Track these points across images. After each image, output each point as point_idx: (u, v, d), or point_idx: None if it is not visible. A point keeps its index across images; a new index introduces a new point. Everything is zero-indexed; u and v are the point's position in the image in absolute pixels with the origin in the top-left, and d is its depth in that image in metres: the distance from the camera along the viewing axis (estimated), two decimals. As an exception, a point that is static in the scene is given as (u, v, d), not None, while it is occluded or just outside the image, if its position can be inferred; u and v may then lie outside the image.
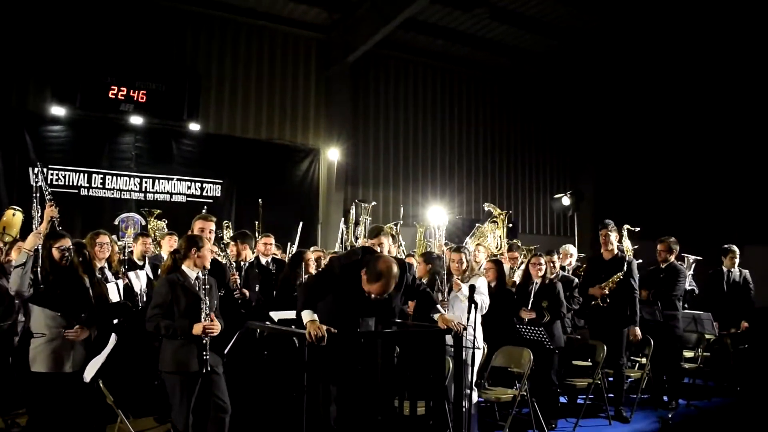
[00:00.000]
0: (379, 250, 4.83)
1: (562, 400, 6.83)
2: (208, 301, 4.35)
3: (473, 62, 14.97)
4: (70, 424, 4.20)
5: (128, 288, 5.57)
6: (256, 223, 8.42)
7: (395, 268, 4.17)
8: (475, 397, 5.37)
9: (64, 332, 4.27)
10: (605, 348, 6.42)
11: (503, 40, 13.98)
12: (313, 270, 6.10)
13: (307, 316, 4.03)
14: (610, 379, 6.99)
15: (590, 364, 6.87)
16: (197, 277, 4.41)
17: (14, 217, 7.17)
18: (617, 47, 13.98)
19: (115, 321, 4.92)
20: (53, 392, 4.19)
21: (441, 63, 14.75)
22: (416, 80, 14.55)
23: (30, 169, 10.21)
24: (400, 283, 4.35)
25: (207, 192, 11.80)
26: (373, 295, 4.21)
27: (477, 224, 10.09)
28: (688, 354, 8.09)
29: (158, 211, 9.29)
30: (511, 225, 9.89)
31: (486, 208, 10.06)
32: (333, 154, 12.78)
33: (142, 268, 6.26)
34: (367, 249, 4.59)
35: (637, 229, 7.63)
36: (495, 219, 9.50)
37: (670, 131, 14.63)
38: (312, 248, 7.81)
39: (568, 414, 6.63)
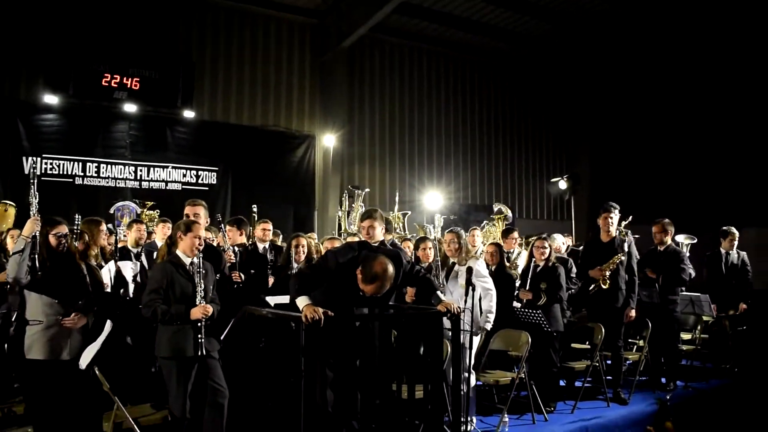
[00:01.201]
0: (370, 234, 4.77)
1: (561, 383, 6.82)
2: (203, 285, 4.33)
3: (468, 46, 14.90)
4: (67, 412, 4.17)
5: (119, 275, 5.53)
6: (254, 209, 8.33)
7: (390, 269, 4.11)
8: (473, 381, 5.35)
9: (62, 320, 4.23)
10: (603, 330, 6.41)
11: (498, 24, 13.91)
12: (303, 256, 6.06)
13: (302, 301, 3.99)
14: (608, 362, 6.98)
15: (588, 346, 6.88)
16: (192, 262, 4.39)
17: (6, 212, 7.12)
18: (612, 31, 13.91)
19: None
20: (50, 380, 4.15)
21: (436, 47, 14.68)
22: (412, 65, 14.49)
23: (24, 158, 10.16)
24: (395, 281, 4.31)
25: (202, 179, 11.75)
26: (367, 294, 4.19)
27: (485, 221, 10.13)
28: (686, 336, 8.11)
29: (151, 203, 9.27)
30: (508, 222, 9.90)
31: (496, 208, 10.07)
32: (329, 140, 12.74)
33: (138, 256, 6.22)
34: (363, 244, 4.54)
35: (630, 218, 7.58)
36: (494, 217, 9.53)
37: (666, 114, 14.60)
38: (308, 234, 7.77)
39: (566, 396, 6.63)
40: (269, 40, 12.66)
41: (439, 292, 4.61)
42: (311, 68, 13.06)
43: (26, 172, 10.13)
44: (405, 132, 14.28)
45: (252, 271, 6.05)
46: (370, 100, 13.85)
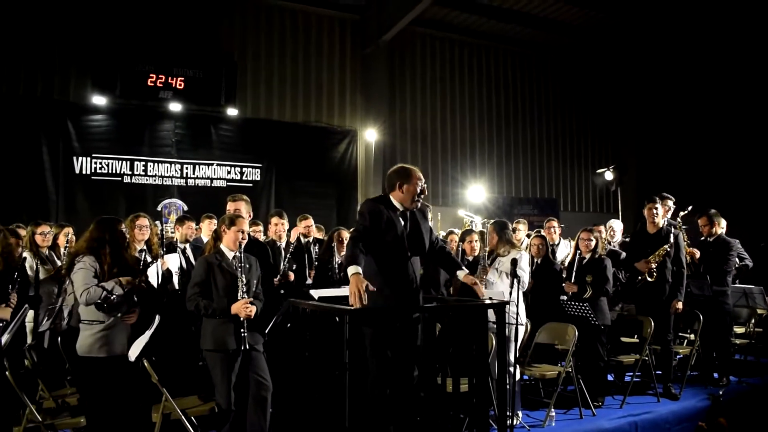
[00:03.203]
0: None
1: (609, 377, 6.70)
2: (245, 280, 4.37)
3: (509, 37, 14.71)
4: (118, 403, 4.25)
5: (166, 270, 5.63)
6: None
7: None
8: (517, 374, 5.30)
9: (123, 318, 4.25)
10: (652, 323, 6.27)
11: (540, 13, 13.67)
12: (344, 250, 6.09)
13: (351, 270, 3.92)
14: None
15: (637, 340, 6.73)
16: (235, 256, 4.44)
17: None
18: (658, 18, 13.56)
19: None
20: (107, 375, 4.22)
21: (477, 39, 14.53)
22: (453, 57, 14.37)
23: (75, 158, 10.44)
24: (429, 234, 4.40)
25: (246, 176, 11.88)
26: (410, 203, 4.23)
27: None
28: (739, 330, 7.87)
29: None
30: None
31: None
32: (371, 135, 12.75)
33: (183, 251, 6.33)
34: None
35: (690, 207, 7.36)
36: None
37: (715, 102, 14.17)
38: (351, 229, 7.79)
39: (614, 391, 6.51)
40: (310, 37, 12.71)
41: (460, 271, 4.48)
42: (352, 63, 13.08)
43: (77, 171, 10.44)
44: (446, 125, 14.18)
45: (294, 266, 6.12)
46: (411, 93, 13.79)
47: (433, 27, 13.80)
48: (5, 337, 4.56)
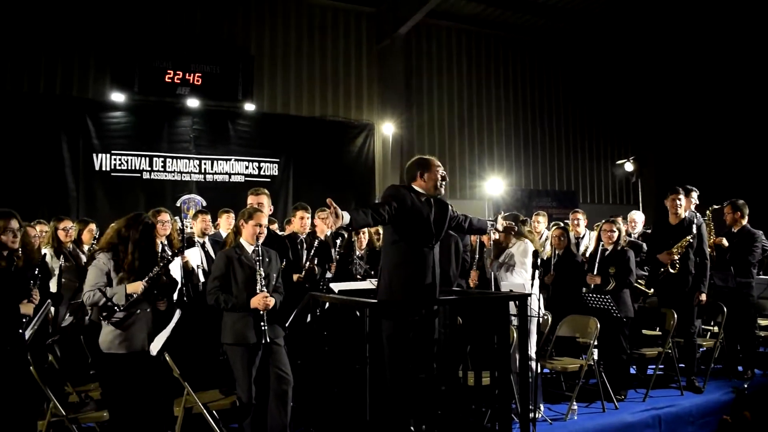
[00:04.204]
0: None
1: (631, 370, 6.63)
2: (264, 273, 4.36)
3: (527, 29, 14.59)
4: (140, 397, 4.27)
5: (187, 265, 5.65)
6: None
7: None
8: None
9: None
10: (675, 316, 6.19)
11: (558, 3, 13.54)
12: (364, 243, 6.09)
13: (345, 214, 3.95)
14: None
15: (660, 333, 6.66)
16: (254, 250, 4.44)
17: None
18: (678, 8, 13.37)
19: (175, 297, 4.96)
20: (128, 370, 4.23)
21: (494, 30, 14.43)
22: (469, 49, 14.29)
23: (94, 155, 10.51)
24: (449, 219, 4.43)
25: (264, 171, 11.91)
26: (435, 190, 4.33)
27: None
28: (763, 322, 7.76)
29: None
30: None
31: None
32: (388, 129, 12.72)
33: (203, 245, 6.34)
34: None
35: (726, 203, 7.22)
36: None
37: (735, 91, 13.97)
38: None
39: (637, 384, 6.44)
40: (326, 30, 12.70)
41: (491, 224, 4.71)
42: (368, 56, 13.04)
43: (97, 168, 10.52)
44: (464, 117, 14.11)
45: (316, 259, 6.11)
46: (428, 86, 13.74)
47: (449, 19, 13.72)
48: (28, 333, 4.58)
